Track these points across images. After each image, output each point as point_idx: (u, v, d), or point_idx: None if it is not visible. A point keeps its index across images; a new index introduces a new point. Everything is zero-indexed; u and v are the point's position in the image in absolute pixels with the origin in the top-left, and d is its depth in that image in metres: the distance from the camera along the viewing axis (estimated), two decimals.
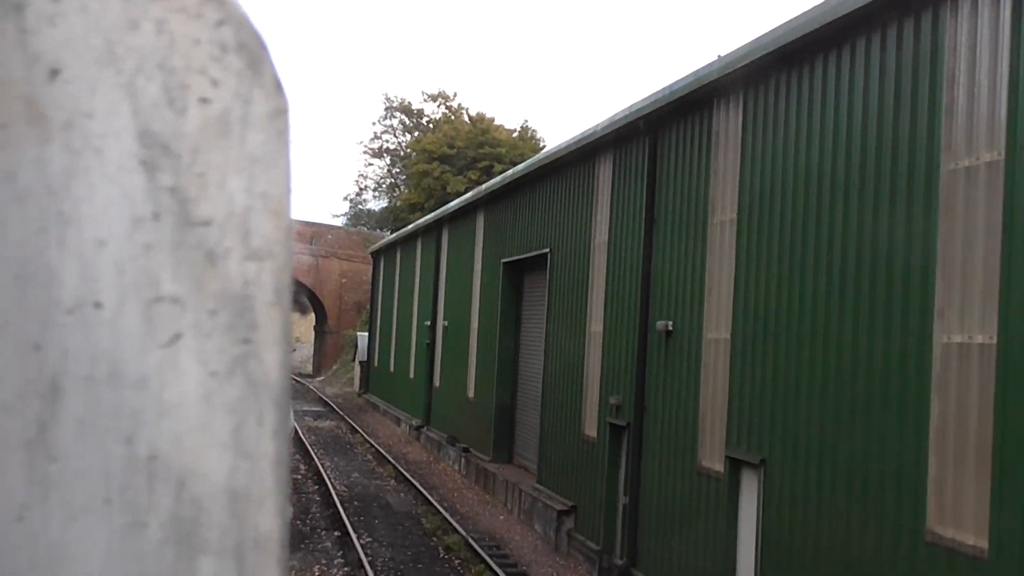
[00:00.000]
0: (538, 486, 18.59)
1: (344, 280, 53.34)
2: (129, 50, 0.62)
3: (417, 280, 32.87)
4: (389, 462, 24.56)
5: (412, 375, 32.69)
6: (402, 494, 21.04)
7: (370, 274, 52.82)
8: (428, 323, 30.10)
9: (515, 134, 60.04)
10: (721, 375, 11.94)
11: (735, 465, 11.50)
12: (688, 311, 12.94)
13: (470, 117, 60.01)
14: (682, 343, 13.02)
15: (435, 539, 17.02)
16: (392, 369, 36.82)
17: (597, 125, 16.11)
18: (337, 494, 20.17)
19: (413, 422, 30.77)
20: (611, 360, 15.40)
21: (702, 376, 12.40)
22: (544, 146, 60.63)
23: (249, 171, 0.61)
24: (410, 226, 34.61)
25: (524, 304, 22.07)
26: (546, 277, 18.98)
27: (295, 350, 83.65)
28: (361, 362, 43.55)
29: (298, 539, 16.91)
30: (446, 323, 27.78)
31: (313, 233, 53.44)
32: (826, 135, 10.09)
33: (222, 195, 0.61)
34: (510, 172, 21.46)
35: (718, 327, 12.13)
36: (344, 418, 34.17)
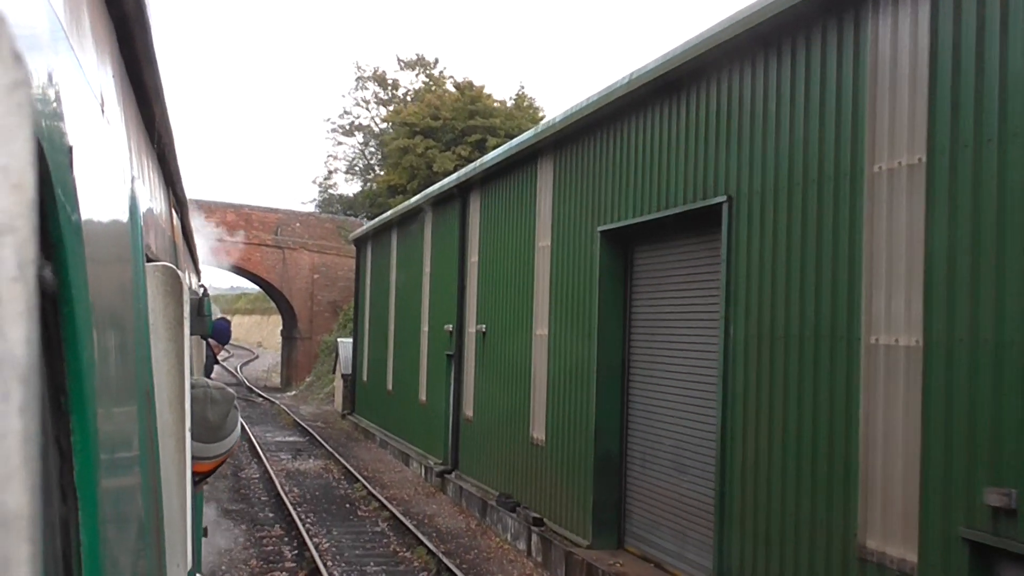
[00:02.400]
0: None
1: (316, 276, 44.89)
2: None
3: (427, 270, 24.61)
4: (417, 539, 16.32)
5: (424, 398, 24.43)
6: None
7: (350, 267, 44.56)
8: (449, 328, 21.88)
9: (510, 103, 51.92)
10: None
11: None
12: None
13: (457, 85, 51.75)
14: None
15: None
16: (390, 387, 28.53)
17: None
18: None
19: (431, 463, 22.52)
20: (966, 409, 7.32)
21: None
22: (544, 116, 52.67)
23: None
24: (412, 199, 26.31)
25: (638, 295, 13.94)
26: (723, 244, 10.84)
27: (257, 357, 74.53)
28: (344, 375, 35.18)
29: None
30: (483, 328, 19.56)
31: (278, 221, 44.90)
32: None
33: None
34: (618, 83, 13.27)
35: None
36: (332, 454, 25.83)
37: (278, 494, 20.14)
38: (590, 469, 14.19)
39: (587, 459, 14.31)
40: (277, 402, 39.34)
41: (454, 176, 21.83)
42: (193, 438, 2.68)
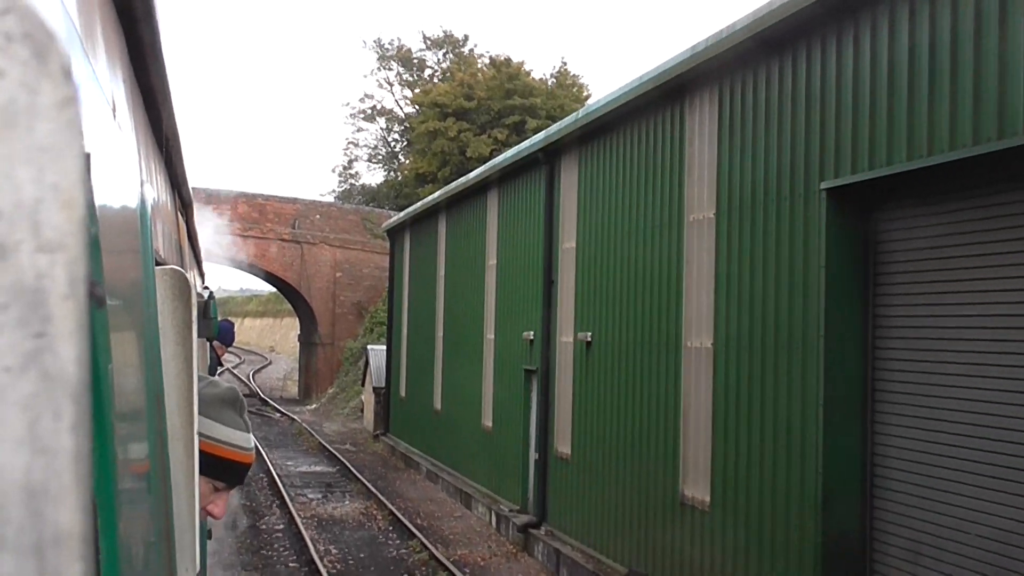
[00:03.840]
0: None
1: (339, 274, 39.89)
2: None
3: (492, 262, 19.58)
4: None
5: (489, 424, 19.38)
6: None
7: (377, 264, 39.70)
8: (529, 336, 16.85)
9: (551, 81, 46.99)
10: None
11: None
12: None
13: (492, 60, 46.78)
14: None
15: None
16: (439, 407, 23.47)
17: None
18: None
19: (504, 508, 17.48)
20: None
21: None
22: (589, 95, 47.67)
23: (38, 162, 0.59)
24: (471, 175, 21.23)
25: (892, 286, 8.85)
26: None
27: (270, 363, 69.45)
28: (376, 389, 30.14)
29: None
30: (587, 336, 14.50)
31: (296, 212, 39.90)
32: None
33: (10, 186, 0.58)
34: None
35: None
36: (372, 491, 20.77)
37: (311, 560, 15.10)
38: (813, 556, 9.10)
39: (804, 540, 9.23)
40: (297, 418, 34.32)
41: (538, 137, 16.72)
42: (225, 423, 2.66)
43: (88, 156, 0.70)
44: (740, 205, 10.51)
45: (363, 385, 33.06)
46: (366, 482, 21.82)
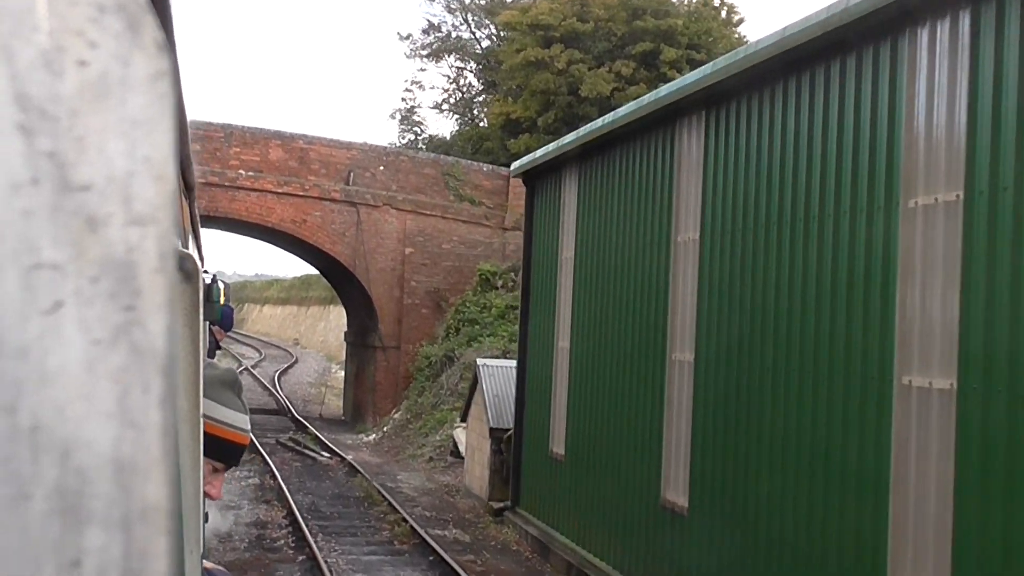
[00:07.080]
0: None
1: (409, 250, 28.34)
2: (3, 12, 0.61)
3: (919, 202, 7.96)
4: None
5: None
6: None
7: (462, 237, 28.31)
8: None
9: (693, 1, 35.41)
10: None
11: None
12: None
13: None
14: None
15: None
16: (680, 500, 11.85)
17: None
18: None
19: None
20: None
21: None
22: (742, 19, 36.00)
23: (130, 135, 0.60)
24: (763, 38, 9.50)
25: None
26: None
27: (296, 361, 58.04)
28: (497, 431, 18.57)
29: None
30: None
31: (350, 161, 28.35)
32: None
33: (102, 159, 0.60)
34: None
35: None
36: None
37: None
38: None
39: None
40: (352, 460, 22.78)
41: None
42: (225, 403, 2.68)
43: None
44: None
45: (463, 419, 21.46)
46: None
